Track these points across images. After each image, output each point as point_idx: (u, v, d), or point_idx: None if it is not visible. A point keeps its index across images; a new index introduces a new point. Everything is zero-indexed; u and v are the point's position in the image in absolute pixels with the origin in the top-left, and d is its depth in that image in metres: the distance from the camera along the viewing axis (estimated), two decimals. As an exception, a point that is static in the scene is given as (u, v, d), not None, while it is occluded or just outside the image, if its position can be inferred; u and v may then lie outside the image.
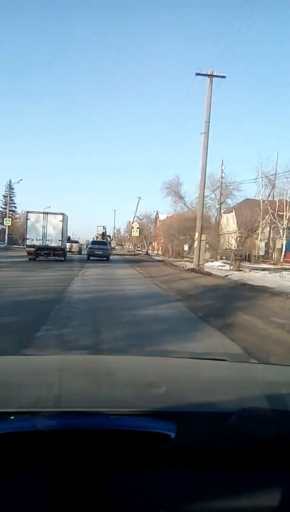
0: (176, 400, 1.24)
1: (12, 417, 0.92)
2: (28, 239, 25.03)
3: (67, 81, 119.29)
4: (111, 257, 30.64)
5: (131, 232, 56.92)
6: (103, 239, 42.09)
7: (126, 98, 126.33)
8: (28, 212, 26.58)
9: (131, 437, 0.89)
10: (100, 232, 49.82)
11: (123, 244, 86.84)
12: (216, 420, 1.01)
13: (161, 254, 54.36)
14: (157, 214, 59.43)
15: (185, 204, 47.70)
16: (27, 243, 25.05)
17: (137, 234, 51.56)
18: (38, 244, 24.62)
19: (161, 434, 0.89)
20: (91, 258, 29.39)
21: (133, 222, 67.62)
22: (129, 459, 0.92)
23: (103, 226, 52.27)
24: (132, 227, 53.07)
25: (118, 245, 79.31)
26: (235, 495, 0.92)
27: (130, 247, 71.58)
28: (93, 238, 42.81)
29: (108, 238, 49.23)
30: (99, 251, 30.53)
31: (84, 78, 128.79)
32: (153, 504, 0.89)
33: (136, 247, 65.55)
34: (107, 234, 53.59)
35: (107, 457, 0.91)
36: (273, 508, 0.92)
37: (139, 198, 66.72)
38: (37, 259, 24.29)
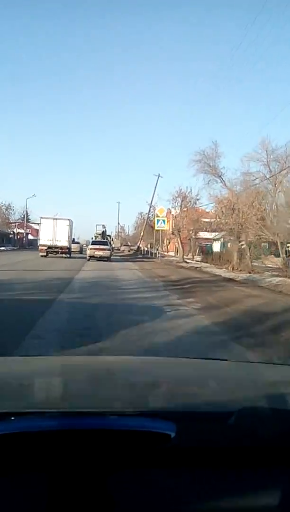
0: (176, 400, 1.24)
1: (12, 418, 0.91)
2: (40, 239, 31.06)
3: (63, 78, 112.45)
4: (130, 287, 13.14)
5: (148, 224, 43.61)
6: (103, 239, 37.64)
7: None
8: (41, 217, 32.61)
9: (131, 437, 0.90)
10: (100, 232, 43.28)
11: (130, 244, 67.91)
12: (216, 420, 1.01)
13: (197, 259, 35.50)
14: (189, 191, 32.19)
15: (224, 184, 27.93)
16: (40, 243, 30.90)
17: (164, 226, 32.01)
18: (48, 243, 30.04)
19: (162, 434, 0.89)
20: (91, 259, 28.24)
21: (149, 210, 48.43)
22: (129, 459, 0.92)
23: (103, 225, 45.93)
24: (157, 216, 33.42)
25: (124, 245, 64.66)
26: (235, 495, 0.92)
27: (145, 247, 52.68)
28: (92, 238, 38.08)
29: (108, 238, 43.87)
30: (100, 251, 29.11)
31: (79, 74, 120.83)
32: (154, 504, 0.89)
33: (148, 247, 47.08)
34: (108, 233, 47.69)
35: (107, 457, 0.90)
36: (273, 507, 0.91)
37: (159, 176, 47.10)
38: (48, 255, 29.25)
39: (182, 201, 32.49)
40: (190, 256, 36.59)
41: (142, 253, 45.63)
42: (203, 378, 1.57)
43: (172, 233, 37.40)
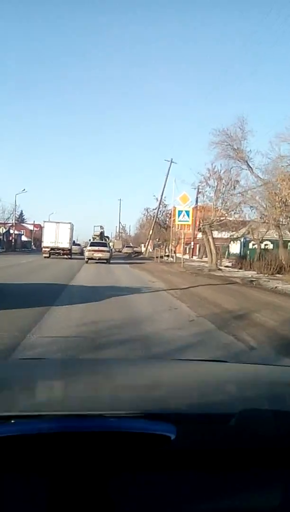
0: (177, 402, 1.23)
1: (12, 421, 0.90)
2: (44, 242, 32.86)
3: (63, 81, 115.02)
4: None
5: (156, 222, 38.25)
6: (102, 240, 34.49)
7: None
8: (44, 221, 34.97)
9: (131, 439, 0.89)
10: (98, 233, 39.19)
11: (133, 245, 61.36)
12: (216, 422, 1.01)
13: (226, 264, 26.52)
14: (225, 171, 23.05)
15: (252, 171, 21.53)
16: (43, 245, 32.65)
17: (189, 220, 23.17)
18: (51, 245, 31.65)
19: (162, 436, 0.88)
20: (89, 261, 26.29)
21: (159, 205, 43.16)
22: (129, 461, 0.91)
23: (101, 226, 41.69)
24: (178, 205, 23.95)
25: (127, 246, 59.39)
26: (236, 497, 0.92)
27: (150, 248, 45.58)
28: (90, 239, 35.94)
29: (107, 239, 39.80)
30: (99, 253, 27.36)
31: (78, 76, 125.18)
32: (154, 506, 0.88)
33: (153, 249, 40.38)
34: (106, 235, 42.65)
35: (107, 459, 0.90)
36: (274, 509, 0.91)
37: (171, 161, 41.61)
38: (50, 257, 30.39)
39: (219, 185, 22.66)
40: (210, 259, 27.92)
41: (157, 256, 37.13)
42: (204, 380, 1.55)
43: (199, 230, 28.02)
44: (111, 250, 33.47)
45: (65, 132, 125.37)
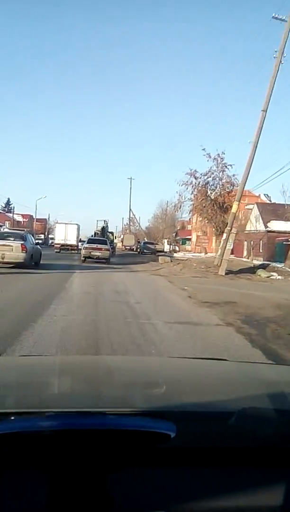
0: (176, 399, 1.24)
1: (12, 417, 0.91)
2: (55, 239, 40.46)
3: (64, 77, 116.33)
4: None
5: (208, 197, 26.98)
6: (103, 236, 32.13)
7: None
8: (56, 223, 44.63)
9: (131, 437, 0.90)
10: (100, 228, 38.23)
11: (155, 241, 49.31)
12: (216, 420, 1.02)
13: None
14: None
15: None
16: (55, 242, 40.10)
17: None
18: (61, 242, 38.38)
19: (161, 434, 0.89)
20: (86, 260, 23.45)
21: (253, 155, 18.96)
22: (129, 458, 0.92)
23: (104, 220, 40.21)
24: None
25: (147, 243, 48.31)
26: (235, 495, 0.93)
27: (171, 244, 34.78)
28: (92, 235, 33.16)
29: (111, 236, 39.49)
30: (97, 251, 24.00)
31: (77, 75, 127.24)
32: (153, 503, 0.90)
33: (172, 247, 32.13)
34: (110, 230, 41.68)
35: (107, 456, 0.91)
36: (273, 508, 0.92)
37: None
38: (60, 252, 36.73)
39: None
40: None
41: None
42: (204, 378, 1.58)
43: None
44: (114, 247, 32.08)
45: (65, 123, 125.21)
